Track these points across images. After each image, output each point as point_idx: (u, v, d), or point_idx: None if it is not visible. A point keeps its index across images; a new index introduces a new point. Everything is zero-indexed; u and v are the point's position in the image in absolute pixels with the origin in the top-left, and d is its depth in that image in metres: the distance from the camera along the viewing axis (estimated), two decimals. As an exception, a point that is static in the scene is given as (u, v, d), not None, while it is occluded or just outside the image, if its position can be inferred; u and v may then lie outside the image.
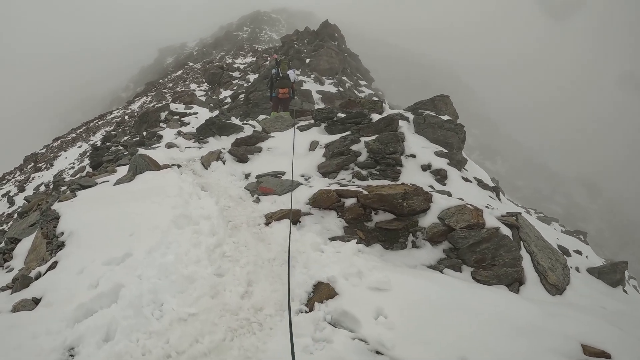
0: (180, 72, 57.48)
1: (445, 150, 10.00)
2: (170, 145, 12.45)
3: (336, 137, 9.36)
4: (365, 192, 6.76)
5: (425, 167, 8.80)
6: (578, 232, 26.36)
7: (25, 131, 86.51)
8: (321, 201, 6.88)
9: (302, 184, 7.87)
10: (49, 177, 22.64)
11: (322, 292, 4.70)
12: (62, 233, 5.30)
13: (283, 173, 8.46)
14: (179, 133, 14.21)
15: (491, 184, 10.82)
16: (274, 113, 14.11)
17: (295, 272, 5.12)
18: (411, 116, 11.17)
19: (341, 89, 24.27)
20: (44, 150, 35.40)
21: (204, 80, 36.07)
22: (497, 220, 6.80)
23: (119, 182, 7.90)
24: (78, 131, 39.16)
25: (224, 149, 10.89)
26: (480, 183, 10.13)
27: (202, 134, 13.34)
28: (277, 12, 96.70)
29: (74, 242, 5.03)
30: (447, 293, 4.75)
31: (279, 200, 7.39)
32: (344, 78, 27.07)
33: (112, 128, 31.10)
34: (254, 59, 37.72)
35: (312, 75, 24.72)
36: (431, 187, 8.31)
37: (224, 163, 9.84)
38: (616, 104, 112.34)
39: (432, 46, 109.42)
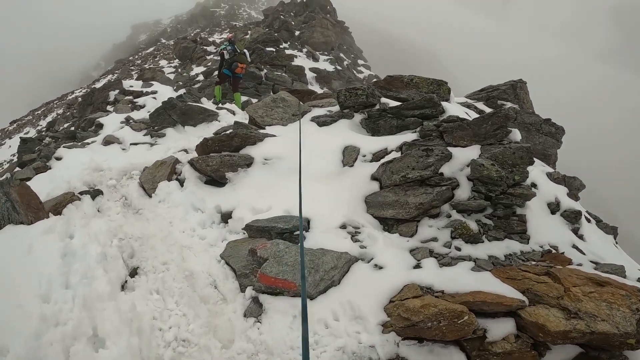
0: (151, 49, 53.05)
1: (558, 172, 5.91)
2: (108, 142, 8.56)
3: (388, 140, 5.03)
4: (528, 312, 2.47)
5: (554, 208, 4.60)
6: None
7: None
8: (430, 330, 2.57)
9: (358, 258, 3.41)
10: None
11: None
12: None
13: (306, 222, 3.99)
14: (127, 120, 10.12)
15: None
16: (217, 88, 12.65)
17: None
18: (485, 109, 6.98)
19: (339, 68, 20.00)
20: (-4, 135, 30.16)
21: (174, 55, 31.21)
22: None
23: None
24: (36, 113, 34.28)
25: (186, 151, 6.49)
26: (598, 223, 5.90)
27: (156, 123, 9.11)
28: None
29: None
30: None
31: (307, 310, 2.87)
32: (341, 55, 22.67)
33: (62, 111, 26.28)
34: (232, 35, 32.94)
35: (305, 50, 20.25)
36: (575, 248, 4.23)
37: (181, 185, 5.27)
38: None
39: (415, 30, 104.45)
